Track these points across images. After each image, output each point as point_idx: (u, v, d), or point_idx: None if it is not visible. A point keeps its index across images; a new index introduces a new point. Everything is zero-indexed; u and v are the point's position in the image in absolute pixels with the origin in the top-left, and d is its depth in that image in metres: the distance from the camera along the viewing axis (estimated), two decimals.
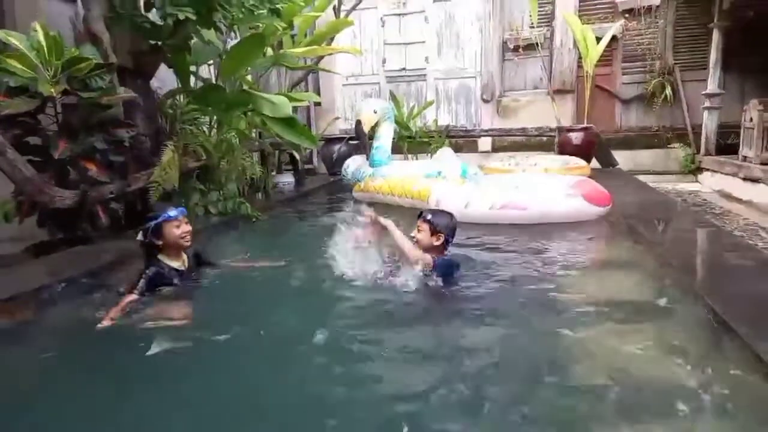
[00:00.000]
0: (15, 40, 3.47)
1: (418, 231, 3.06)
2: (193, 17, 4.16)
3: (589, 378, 2.04)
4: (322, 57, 7.51)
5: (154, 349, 2.37)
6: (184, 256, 3.09)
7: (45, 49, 3.48)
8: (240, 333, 2.51)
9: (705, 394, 1.84)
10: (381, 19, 9.93)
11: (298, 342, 2.44)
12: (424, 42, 9.74)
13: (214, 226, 4.88)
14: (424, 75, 9.86)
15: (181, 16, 4.03)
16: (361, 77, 10.21)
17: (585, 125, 7.67)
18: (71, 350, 2.57)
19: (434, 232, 3.04)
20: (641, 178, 7.03)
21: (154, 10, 4.80)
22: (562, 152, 7.42)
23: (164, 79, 5.73)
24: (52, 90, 3.32)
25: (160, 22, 4.84)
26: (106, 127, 3.83)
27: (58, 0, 5.82)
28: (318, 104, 9.68)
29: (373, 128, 6.85)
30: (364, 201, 6.47)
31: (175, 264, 3.03)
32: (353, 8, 8.49)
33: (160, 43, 4.86)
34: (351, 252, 3.49)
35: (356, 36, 9.73)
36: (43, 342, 2.66)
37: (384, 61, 10.08)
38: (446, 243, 3.08)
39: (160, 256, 2.99)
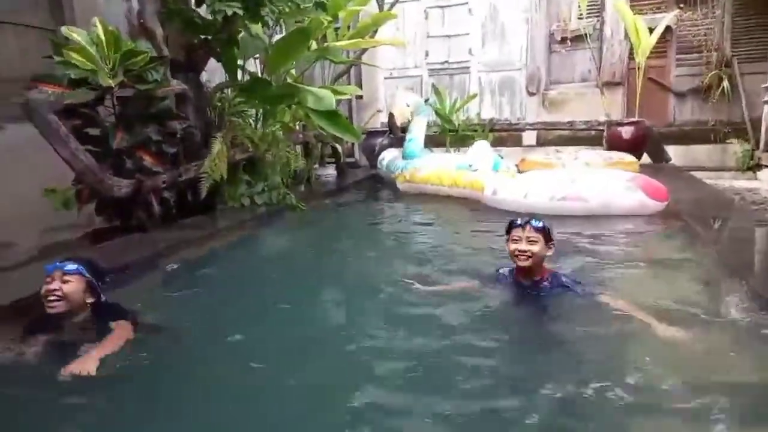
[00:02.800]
0: (76, 35, 3.62)
1: (529, 242, 2.59)
2: (241, 12, 4.24)
3: None
4: (364, 50, 7.53)
5: None
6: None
7: (104, 43, 3.62)
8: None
9: None
10: (424, 11, 9.86)
11: None
12: (468, 34, 9.62)
13: (259, 217, 5.00)
14: (468, 67, 9.74)
15: (230, 12, 4.12)
16: (403, 70, 10.18)
17: (636, 119, 7.41)
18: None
19: (549, 240, 2.64)
20: (696, 174, 6.73)
21: (204, 5, 4.94)
22: (611, 147, 7.19)
23: (212, 72, 5.88)
24: (111, 82, 3.46)
25: (209, 18, 4.98)
26: (160, 118, 3.96)
27: None
28: (360, 97, 9.71)
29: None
30: (410, 192, 6.52)
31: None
32: (396, 1, 8.45)
33: (209, 37, 4.99)
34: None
35: (399, 29, 9.69)
36: None
37: (426, 54, 10.01)
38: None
39: None
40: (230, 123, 5.00)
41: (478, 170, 5.97)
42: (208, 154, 4.63)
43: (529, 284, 2.68)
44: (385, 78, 10.21)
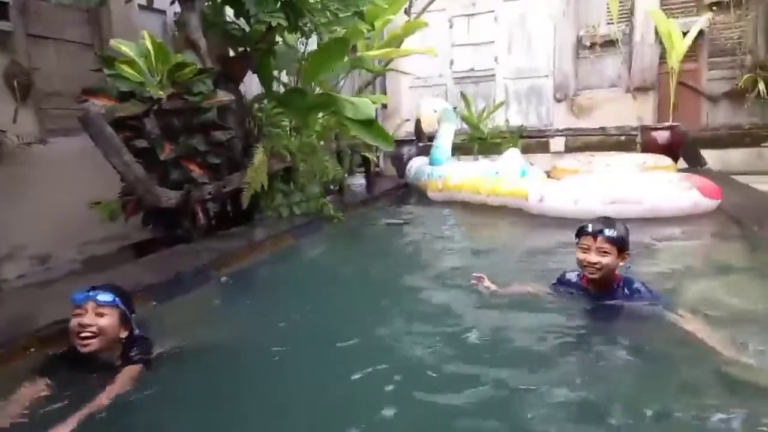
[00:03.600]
0: (125, 47, 3.64)
1: (600, 253, 2.34)
2: (285, 23, 4.24)
3: None
4: (392, 59, 7.53)
5: None
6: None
7: (152, 55, 3.63)
8: None
9: None
10: (449, 20, 9.85)
11: None
12: (493, 42, 9.59)
13: (298, 227, 4.97)
14: (493, 75, 9.69)
15: (274, 23, 4.13)
16: (428, 79, 10.16)
17: (671, 123, 7.29)
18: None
19: (623, 250, 2.37)
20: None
21: (242, 18, 4.97)
22: (645, 152, 7.06)
23: (247, 84, 5.91)
24: (161, 93, 3.46)
25: (247, 29, 5.01)
26: (206, 129, 3.97)
27: (149, 11, 6.11)
28: (384, 106, 9.71)
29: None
30: (442, 200, 6.47)
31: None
32: (423, 10, 8.45)
33: (248, 49, 5.01)
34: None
35: (423, 38, 9.67)
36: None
37: (451, 62, 9.99)
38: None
39: None
40: (269, 133, 5.00)
41: (504, 177, 5.97)
42: (248, 164, 4.63)
43: (598, 293, 2.47)
44: (410, 87, 10.20)
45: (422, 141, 7.78)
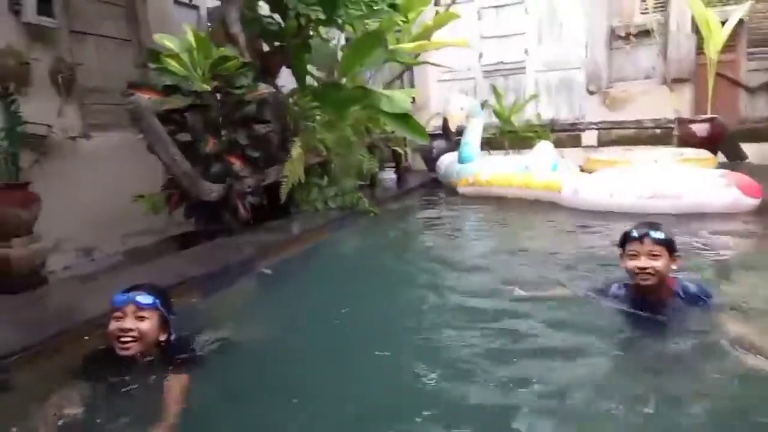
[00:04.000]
0: (169, 42, 3.68)
1: (651, 257, 2.18)
2: (323, 16, 4.24)
3: None
4: (422, 52, 7.46)
5: None
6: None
7: (195, 49, 3.66)
8: None
9: None
10: (478, 12, 9.73)
11: None
12: (523, 33, 9.44)
13: (334, 221, 4.99)
14: (523, 68, 9.55)
15: (313, 16, 4.14)
16: (456, 72, 10.06)
17: (710, 116, 7.09)
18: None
19: (673, 250, 2.23)
20: None
21: (276, 12, 4.99)
22: (683, 145, 6.90)
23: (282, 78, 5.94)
24: (206, 86, 3.50)
25: (283, 24, 5.03)
26: (247, 123, 3.99)
27: (184, 6, 6.18)
28: (413, 100, 9.65)
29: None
30: (473, 195, 6.43)
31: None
32: (453, 2, 8.37)
33: (284, 43, 5.03)
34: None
35: (451, 30, 9.57)
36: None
37: (480, 55, 9.87)
38: None
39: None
40: (305, 127, 5.01)
41: (535, 170, 5.92)
42: (285, 158, 4.65)
43: (653, 302, 2.26)
44: (438, 80, 10.12)
45: (450, 138, 7.73)
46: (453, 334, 2.52)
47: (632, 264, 2.23)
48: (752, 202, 4.53)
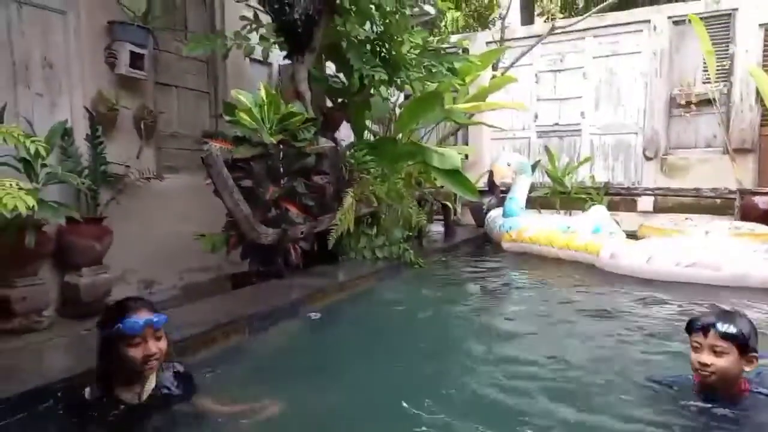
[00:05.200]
0: (243, 97, 4.02)
1: (714, 353, 1.92)
2: (386, 77, 4.52)
3: None
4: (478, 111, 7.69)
5: None
6: (149, 384, 2.02)
7: (266, 105, 3.98)
8: None
9: None
10: (535, 75, 9.95)
11: None
12: (580, 97, 9.54)
13: (380, 270, 5.10)
14: (579, 130, 9.60)
15: (377, 77, 4.40)
16: (512, 132, 10.22)
17: None
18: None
19: (746, 350, 1.91)
20: None
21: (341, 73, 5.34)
22: (744, 217, 6.67)
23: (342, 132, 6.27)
24: (273, 140, 3.78)
25: (346, 83, 5.36)
26: (306, 173, 4.24)
27: (258, 63, 6.68)
28: (466, 157, 9.83)
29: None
30: (515, 251, 6.43)
31: (125, 394, 1.98)
32: (512, 65, 8.63)
33: (346, 101, 5.35)
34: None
35: (508, 91, 9.81)
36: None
37: (536, 116, 10.02)
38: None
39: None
40: (359, 179, 5.24)
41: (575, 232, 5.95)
42: (338, 207, 4.86)
43: (716, 400, 2.00)
44: (492, 139, 10.30)
45: (495, 193, 7.83)
46: (477, 399, 2.46)
47: (693, 357, 1.99)
48: None
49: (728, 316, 1.98)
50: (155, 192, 4.98)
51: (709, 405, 2.01)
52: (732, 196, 7.27)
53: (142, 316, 1.93)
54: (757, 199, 6.79)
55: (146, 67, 4.87)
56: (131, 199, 4.73)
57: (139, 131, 4.86)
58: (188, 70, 5.65)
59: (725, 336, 1.89)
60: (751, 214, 6.67)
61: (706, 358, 1.93)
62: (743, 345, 1.90)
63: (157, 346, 1.95)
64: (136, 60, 4.74)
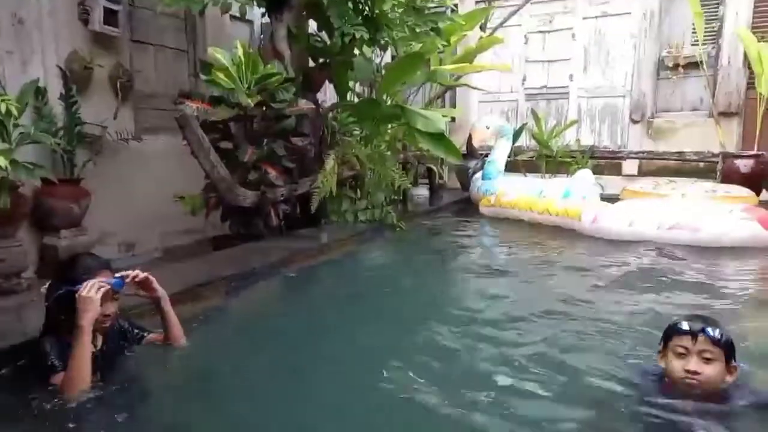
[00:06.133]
0: (220, 55, 3.93)
1: (703, 360, 1.76)
2: (367, 36, 4.42)
3: None
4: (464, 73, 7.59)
5: None
6: (99, 338, 2.08)
7: (243, 64, 3.90)
8: None
9: None
10: (525, 36, 9.79)
11: None
12: (569, 59, 9.43)
13: (362, 233, 5.13)
14: (567, 93, 9.52)
15: (358, 35, 4.31)
16: (498, 94, 10.12)
17: (756, 152, 6.91)
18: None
19: (730, 359, 1.79)
20: None
21: (323, 31, 5.21)
22: (726, 180, 6.73)
23: (322, 92, 6.17)
24: (250, 101, 3.72)
25: (328, 42, 5.25)
26: (286, 135, 4.20)
27: (239, 21, 6.50)
28: (453, 119, 9.77)
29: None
30: (493, 216, 6.48)
31: None
32: (500, 25, 8.47)
33: (327, 60, 5.25)
34: None
35: (496, 53, 9.67)
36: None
37: (524, 78, 9.91)
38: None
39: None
40: (341, 141, 5.20)
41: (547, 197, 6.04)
42: (320, 169, 4.84)
43: (694, 404, 1.80)
44: (480, 101, 10.19)
45: (473, 154, 7.80)
46: (450, 354, 2.51)
47: (678, 365, 1.80)
48: None
49: (712, 321, 1.84)
50: (134, 153, 4.92)
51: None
52: (715, 159, 7.32)
53: (102, 278, 1.97)
54: (738, 162, 6.84)
55: (121, 24, 4.73)
56: (109, 161, 4.68)
57: (115, 91, 4.76)
58: (166, 27, 5.49)
59: (716, 341, 1.75)
60: (733, 177, 6.74)
61: (696, 365, 1.76)
62: (731, 352, 1.78)
63: (114, 306, 2.02)
64: (110, 16, 4.60)
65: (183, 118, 3.42)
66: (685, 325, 1.81)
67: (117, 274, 2.07)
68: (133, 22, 5.09)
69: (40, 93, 4.01)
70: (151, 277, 2.21)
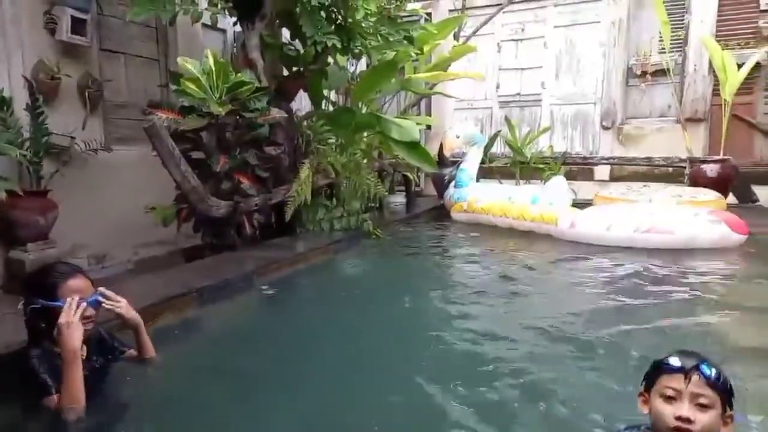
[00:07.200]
0: (190, 65, 3.90)
1: (697, 405, 1.38)
2: (339, 44, 4.44)
3: None
4: (439, 81, 7.66)
5: None
6: (84, 347, 2.04)
7: (214, 74, 3.87)
8: None
9: None
10: (498, 44, 9.93)
11: None
12: (541, 67, 9.59)
13: (337, 242, 5.11)
14: (540, 100, 9.68)
15: (329, 43, 4.32)
16: (473, 102, 10.24)
17: (722, 157, 7.11)
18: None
19: (726, 406, 1.41)
20: None
21: (297, 39, 5.21)
22: (694, 185, 6.90)
23: (297, 101, 6.16)
24: (221, 110, 3.69)
25: (302, 51, 5.25)
26: (258, 144, 4.17)
27: (212, 30, 6.46)
28: (428, 127, 9.84)
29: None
30: (466, 222, 6.54)
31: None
32: (473, 34, 8.59)
33: (301, 69, 5.24)
34: None
35: (470, 60, 9.78)
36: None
37: (498, 86, 10.04)
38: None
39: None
40: (316, 150, 5.19)
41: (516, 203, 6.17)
42: (294, 178, 4.82)
43: None
44: (455, 109, 10.29)
45: (446, 164, 7.83)
46: (428, 363, 2.53)
47: (668, 410, 1.42)
48: (739, 238, 4.83)
49: (706, 358, 1.46)
50: (104, 164, 4.83)
51: None
52: (682, 164, 7.51)
53: (84, 293, 1.97)
54: (705, 167, 7.03)
55: (89, 33, 4.66)
56: (78, 172, 4.58)
57: (84, 100, 4.67)
58: (136, 36, 5.42)
59: (712, 383, 1.39)
60: (700, 181, 6.92)
61: (690, 411, 1.38)
62: (729, 397, 1.43)
63: (94, 312, 2.02)
64: (77, 25, 4.53)
65: (152, 128, 3.38)
66: (675, 362, 1.44)
67: (98, 291, 2.07)
68: (103, 31, 5.02)
69: (5, 103, 3.91)
70: (124, 311, 2.20)
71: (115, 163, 4.93)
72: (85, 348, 2.03)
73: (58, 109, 4.44)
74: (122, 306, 2.19)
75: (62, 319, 1.87)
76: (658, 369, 1.48)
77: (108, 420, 1.96)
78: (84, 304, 1.94)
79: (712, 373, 1.40)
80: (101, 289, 2.12)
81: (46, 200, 4.01)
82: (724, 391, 1.40)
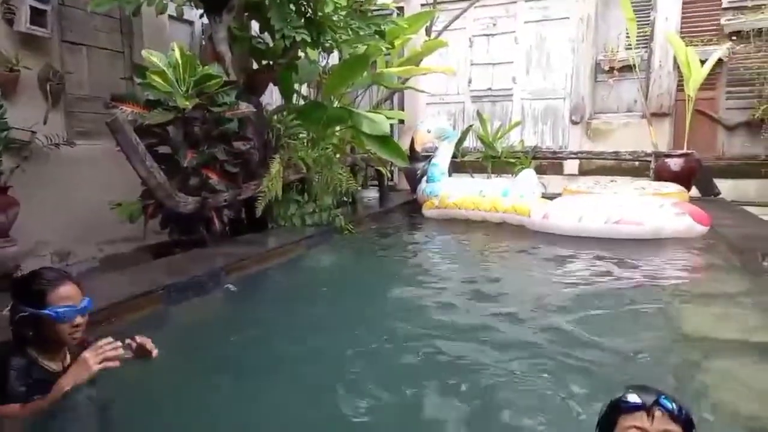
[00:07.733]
0: (156, 58, 3.81)
1: None
2: (308, 38, 4.40)
3: None
4: (411, 76, 7.66)
5: None
6: (68, 356, 1.98)
7: (180, 67, 3.80)
8: None
9: None
10: (469, 39, 9.98)
11: None
12: (512, 62, 9.69)
13: (309, 237, 5.08)
14: (511, 95, 9.78)
15: (298, 38, 4.28)
16: (446, 96, 10.28)
17: (685, 151, 7.30)
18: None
19: None
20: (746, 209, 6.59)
21: (266, 32, 5.14)
22: (659, 178, 7.08)
23: (267, 95, 6.09)
24: (187, 104, 3.62)
25: (271, 44, 5.18)
26: (227, 139, 4.12)
27: (179, 21, 6.33)
28: (401, 122, 9.85)
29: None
30: (437, 218, 6.58)
31: (51, 364, 1.93)
32: (444, 28, 8.61)
33: (271, 62, 5.18)
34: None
35: (442, 55, 9.81)
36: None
37: (470, 81, 10.10)
38: None
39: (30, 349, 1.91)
40: (287, 144, 5.15)
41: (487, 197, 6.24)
42: (265, 173, 4.77)
43: None
44: (428, 103, 10.32)
45: (418, 159, 7.84)
46: (395, 360, 2.54)
47: None
48: (702, 229, 5.04)
49: (662, 391, 1.35)
50: (67, 159, 4.72)
51: None
52: (648, 158, 7.69)
53: (74, 300, 1.90)
54: (669, 161, 7.21)
55: (50, 24, 4.53)
56: (40, 167, 4.47)
57: (45, 94, 4.55)
58: (100, 27, 5.29)
59: (676, 418, 1.29)
60: (664, 175, 7.09)
61: None
62: (690, 428, 1.32)
63: (83, 319, 1.95)
64: (37, 16, 4.40)
65: (115, 122, 3.29)
66: (634, 398, 1.32)
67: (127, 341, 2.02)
68: (64, 22, 4.88)
69: None
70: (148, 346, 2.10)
71: (79, 158, 4.81)
72: (69, 357, 1.98)
73: (18, 103, 4.32)
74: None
75: (89, 354, 1.84)
76: (616, 409, 1.34)
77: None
78: (115, 363, 1.88)
79: (674, 406, 1.29)
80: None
81: (6, 197, 3.90)
82: (687, 422, 1.30)
